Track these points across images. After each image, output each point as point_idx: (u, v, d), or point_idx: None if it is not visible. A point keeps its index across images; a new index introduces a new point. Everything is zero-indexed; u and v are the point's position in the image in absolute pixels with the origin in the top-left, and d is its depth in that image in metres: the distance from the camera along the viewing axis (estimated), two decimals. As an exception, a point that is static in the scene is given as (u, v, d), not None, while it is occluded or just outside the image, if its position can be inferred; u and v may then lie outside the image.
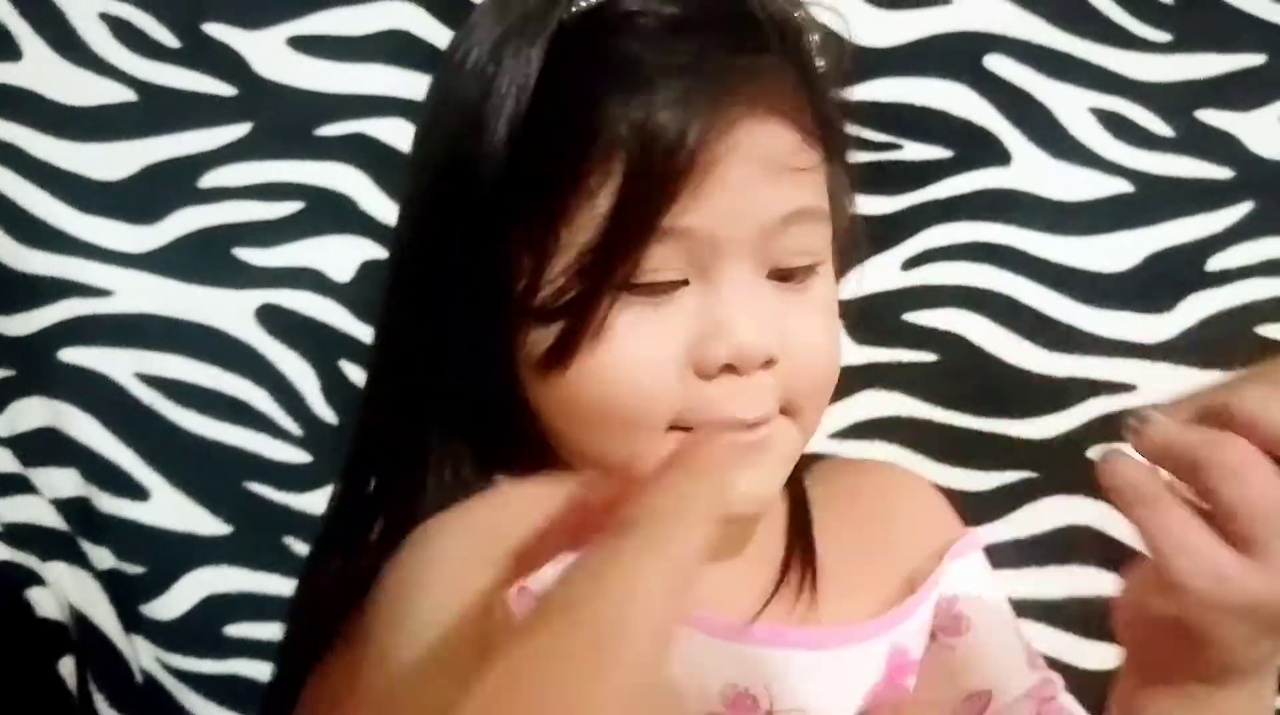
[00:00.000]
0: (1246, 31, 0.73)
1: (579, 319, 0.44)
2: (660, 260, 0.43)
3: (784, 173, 0.45)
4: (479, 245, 0.45)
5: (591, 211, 0.43)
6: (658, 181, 0.42)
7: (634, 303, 0.44)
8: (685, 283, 0.45)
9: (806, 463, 0.52)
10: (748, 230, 0.44)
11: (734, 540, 0.50)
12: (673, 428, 0.45)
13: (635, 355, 0.44)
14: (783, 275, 0.46)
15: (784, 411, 0.46)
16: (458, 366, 0.47)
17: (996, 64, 0.74)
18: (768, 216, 0.44)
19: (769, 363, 0.45)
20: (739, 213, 0.44)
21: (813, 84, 0.47)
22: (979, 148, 0.73)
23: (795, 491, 0.52)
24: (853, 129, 0.52)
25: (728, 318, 0.44)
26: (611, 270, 0.43)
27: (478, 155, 0.45)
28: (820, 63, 0.48)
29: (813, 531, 0.51)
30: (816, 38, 0.48)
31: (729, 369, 0.44)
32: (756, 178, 0.44)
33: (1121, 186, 0.73)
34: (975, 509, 0.71)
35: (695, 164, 0.42)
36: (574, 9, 0.45)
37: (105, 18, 0.76)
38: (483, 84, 0.45)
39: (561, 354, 0.45)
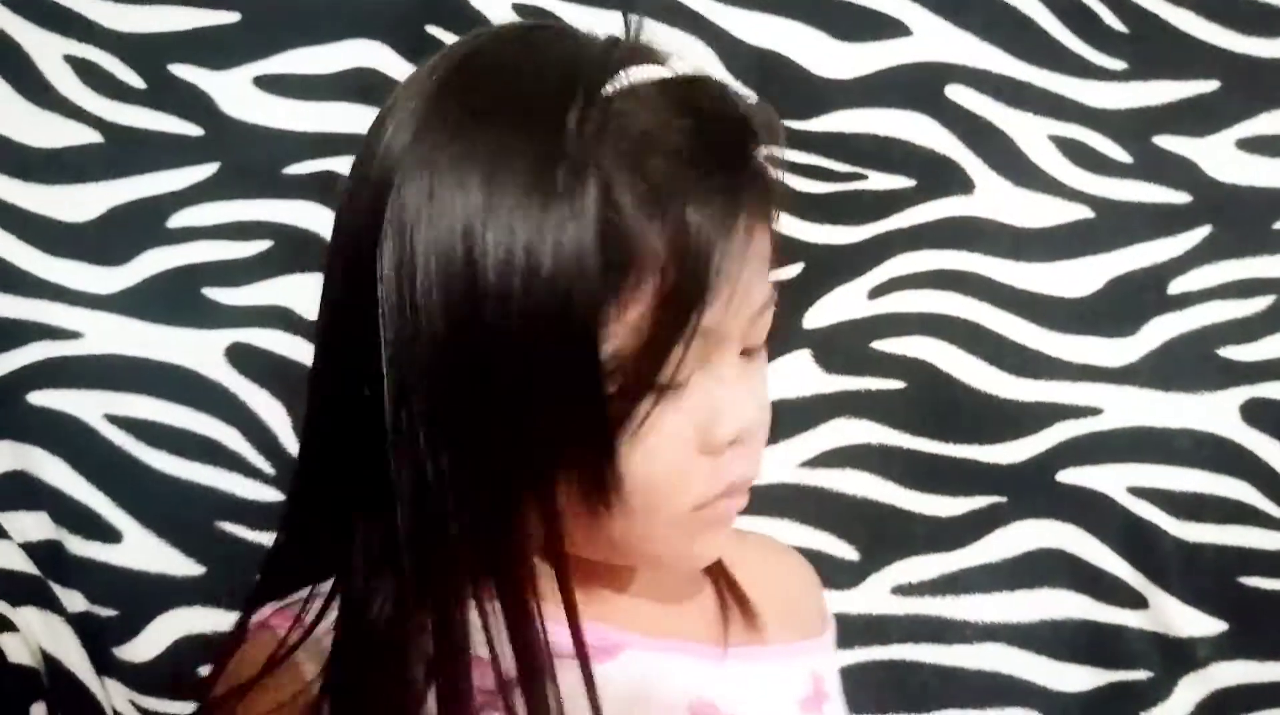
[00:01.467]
0: (1200, 58, 0.75)
1: (620, 418, 0.45)
2: (693, 353, 0.45)
3: (767, 265, 0.48)
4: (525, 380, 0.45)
5: (625, 319, 0.43)
6: (694, 288, 0.44)
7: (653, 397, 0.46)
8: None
9: None
10: (740, 323, 0.48)
11: (686, 585, 0.55)
12: (695, 509, 0.49)
13: (659, 445, 0.47)
14: (747, 351, 0.50)
15: None
16: None
17: (957, 94, 0.75)
18: (755, 307, 0.48)
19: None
20: (740, 307, 0.47)
21: (776, 178, 0.50)
22: (942, 177, 0.74)
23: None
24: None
25: (730, 399, 0.48)
26: (651, 370, 0.44)
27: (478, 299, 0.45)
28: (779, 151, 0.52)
29: (731, 575, 0.56)
30: (777, 129, 0.52)
31: (734, 443, 0.48)
32: (755, 275, 0.47)
33: (1082, 212, 0.74)
34: (945, 534, 0.72)
35: (718, 270, 0.44)
36: (577, 108, 0.44)
37: (70, 59, 0.76)
38: (477, 210, 0.44)
39: (601, 455, 0.45)
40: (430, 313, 0.43)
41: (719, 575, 0.56)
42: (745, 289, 0.46)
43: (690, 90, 0.47)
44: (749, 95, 0.51)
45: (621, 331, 0.44)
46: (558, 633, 0.47)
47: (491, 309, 0.42)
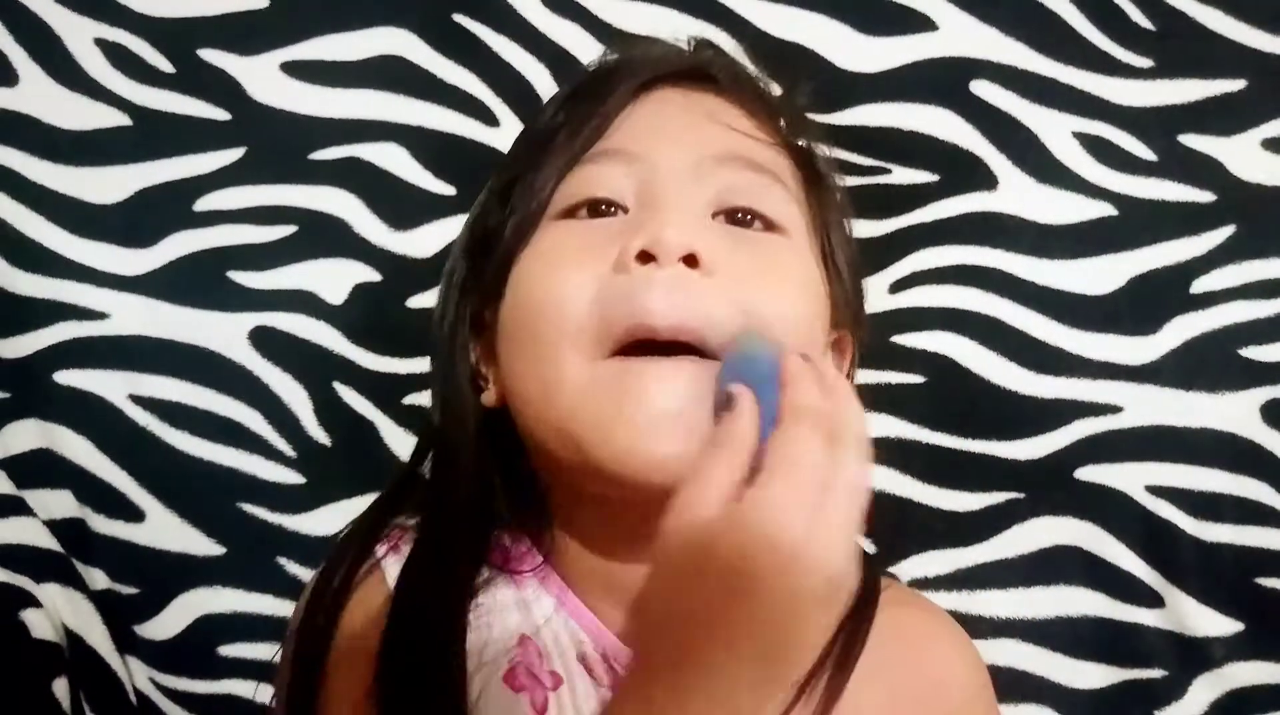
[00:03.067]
0: (1227, 57, 0.74)
1: (512, 241, 0.49)
2: (595, 178, 0.48)
3: (722, 126, 0.51)
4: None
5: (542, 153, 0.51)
6: (589, 111, 0.50)
7: (568, 225, 0.49)
8: (627, 211, 0.49)
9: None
10: (684, 157, 0.48)
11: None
12: (598, 356, 0.44)
13: (556, 261, 0.47)
14: (729, 216, 0.48)
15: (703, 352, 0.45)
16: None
17: (982, 89, 0.75)
18: (706, 150, 0.49)
19: (692, 260, 0.44)
20: (674, 143, 0.49)
21: (768, 107, 0.56)
22: (965, 172, 0.74)
23: (859, 617, 0.49)
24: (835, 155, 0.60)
25: (654, 215, 0.46)
26: (541, 187, 0.49)
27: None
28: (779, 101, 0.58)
29: (853, 665, 0.48)
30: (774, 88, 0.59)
31: (646, 258, 0.44)
32: (694, 120, 0.50)
33: (1106, 210, 0.74)
34: (963, 529, 0.72)
35: (627, 101, 0.50)
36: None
37: (101, 43, 0.76)
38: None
39: (498, 286, 0.49)
40: None
41: (838, 654, 0.47)
42: (680, 129, 0.50)
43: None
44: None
45: (538, 157, 0.51)
46: (588, 646, 0.48)
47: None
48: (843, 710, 0.47)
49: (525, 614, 0.50)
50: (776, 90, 0.61)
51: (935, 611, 0.59)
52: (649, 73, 0.53)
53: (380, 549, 0.52)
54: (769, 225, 0.48)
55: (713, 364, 0.43)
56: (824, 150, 0.59)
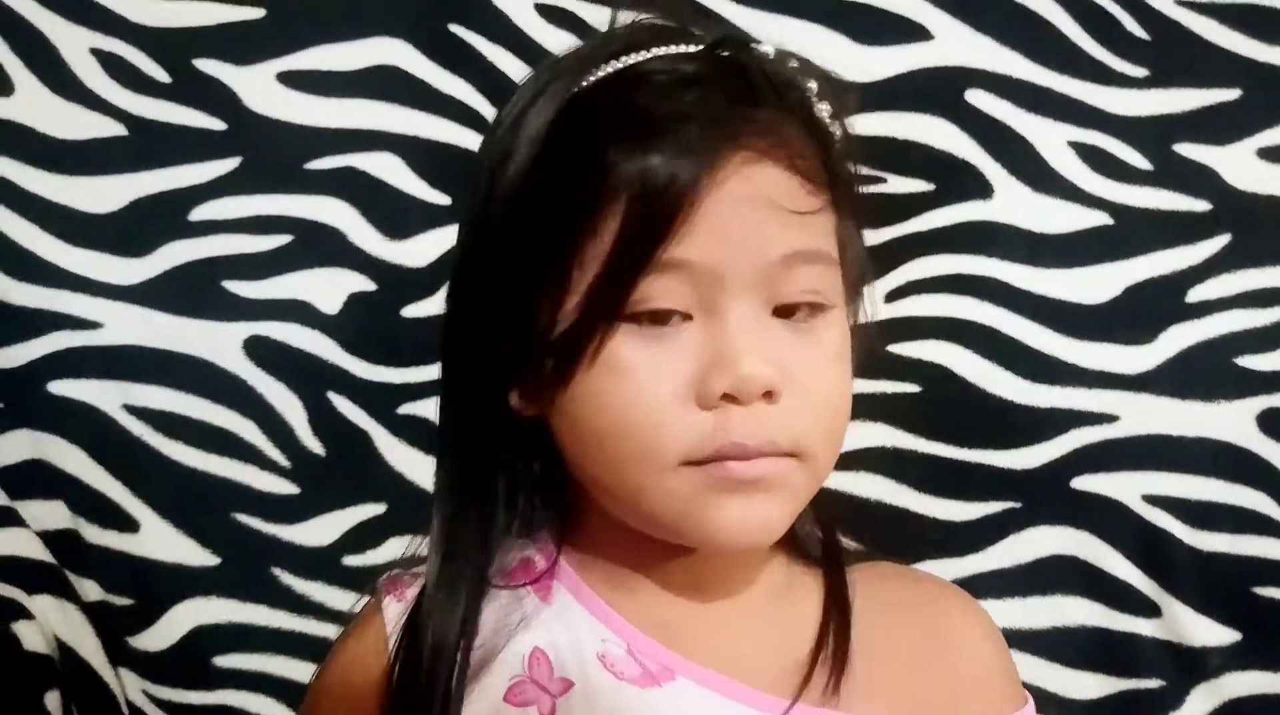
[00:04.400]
0: (1221, 66, 0.75)
1: (576, 345, 0.47)
2: (661, 290, 0.46)
3: (782, 214, 0.47)
4: (502, 293, 0.49)
5: (597, 249, 0.46)
6: (654, 216, 0.46)
7: (638, 334, 0.47)
8: (690, 318, 0.47)
9: (855, 560, 0.54)
10: (748, 267, 0.47)
11: (727, 580, 0.51)
12: (684, 464, 0.46)
13: (638, 383, 0.47)
14: (787, 312, 0.48)
15: (793, 455, 0.47)
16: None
17: (977, 99, 0.75)
18: (767, 255, 0.47)
19: (770, 394, 0.46)
20: (737, 249, 0.46)
21: (817, 135, 0.50)
22: (961, 181, 0.74)
23: (835, 582, 0.52)
24: (860, 174, 0.54)
25: (729, 348, 0.46)
26: (609, 298, 0.46)
27: (492, 208, 0.50)
28: (825, 109, 0.51)
29: (850, 626, 0.50)
30: (814, 85, 0.51)
31: (730, 399, 0.46)
32: (755, 217, 0.47)
33: (1101, 219, 0.74)
34: (959, 539, 0.72)
35: (691, 201, 0.46)
36: (597, 73, 0.49)
37: (97, 53, 0.76)
38: (504, 145, 0.50)
39: (558, 380, 0.48)
40: (468, 209, 0.52)
41: (834, 621, 0.50)
42: (741, 229, 0.46)
43: (701, 51, 0.50)
44: (792, 59, 0.51)
45: (593, 257, 0.46)
46: (610, 642, 0.49)
47: (494, 210, 0.50)
48: (863, 682, 0.49)
49: (536, 626, 0.50)
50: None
51: (943, 581, 0.59)
52: (711, 150, 0.46)
53: (386, 597, 0.53)
54: (816, 307, 0.49)
55: (786, 461, 0.48)
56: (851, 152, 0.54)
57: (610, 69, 0.49)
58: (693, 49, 0.50)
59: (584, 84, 0.49)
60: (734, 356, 0.46)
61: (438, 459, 0.53)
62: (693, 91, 0.48)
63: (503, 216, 0.49)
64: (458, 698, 0.49)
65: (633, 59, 0.49)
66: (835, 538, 0.54)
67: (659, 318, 0.47)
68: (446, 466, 0.53)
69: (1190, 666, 0.70)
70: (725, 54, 0.50)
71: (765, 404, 0.46)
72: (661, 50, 0.49)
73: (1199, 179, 0.74)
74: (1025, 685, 0.70)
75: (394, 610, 0.52)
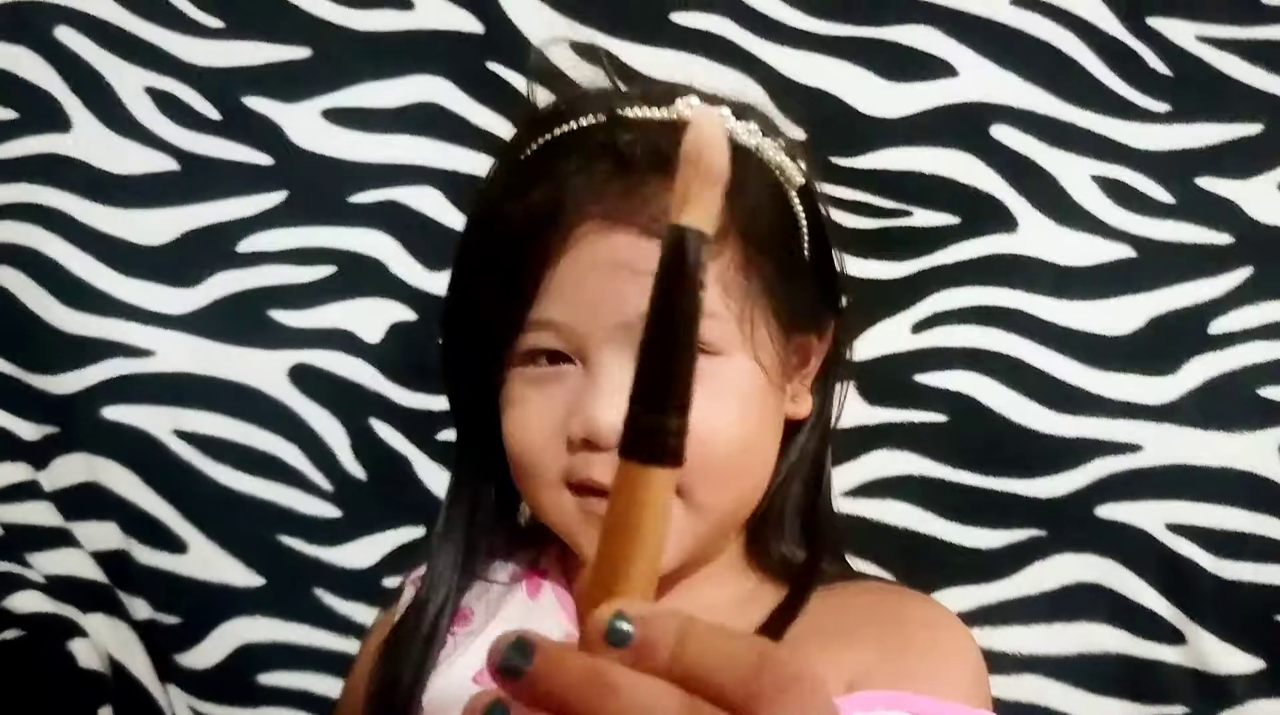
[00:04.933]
0: (1243, 100, 0.76)
1: (483, 384, 0.55)
2: (537, 341, 0.53)
3: (638, 276, 0.50)
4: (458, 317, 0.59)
5: (487, 306, 0.55)
6: (514, 285, 0.53)
7: (531, 374, 0.54)
8: (574, 362, 0.53)
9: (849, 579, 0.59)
10: (608, 323, 0.51)
11: (693, 589, 0.55)
12: (569, 487, 0.53)
13: (524, 420, 0.54)
14: None
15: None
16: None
17: (1002, 134, 0.76)
18: (626, 312, 0.51)
19: None
20: (594, 309, 0.52)
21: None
22: (986, 214, 0.76)
23: (798, 585, 0.56)
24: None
25: (593, 397, 0.51)
26: (494, 346, 0.54)
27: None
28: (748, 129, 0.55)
29: (796, 610, 0.54)
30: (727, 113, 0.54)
31: (588, 445, 0.51)
32: (608, 280, 0.51)
33: (1124, 252, 0.75)
34: (985, 566, 0.73)
35: (543, 267, 0.52)
36: (540, 139, 0.56)
37: (150, 91, 0.79)
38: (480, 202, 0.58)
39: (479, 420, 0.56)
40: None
41: (784, 606, 0.54)
42: (596, 291, 0.51)
43: (608, 123, 0.55)
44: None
45: (485, 312, 0.55)
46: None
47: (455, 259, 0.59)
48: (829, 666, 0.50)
49: (519, 616, 0.57)
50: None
51: (933, 600, 0.61)
52: (565, 222, 0.52)
53: (408, 586, 0.61)
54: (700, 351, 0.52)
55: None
56: (785, 164, 0.57)
57: (546, 137, 0.55)
58: (618, 114, 0.54)
59: (529, 149, 0.56)
60: (593, 407, 0.51)
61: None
62: (569, 162, 0.53)
63: (454, 260, 0.59)
64: (430, 665, 0.56)
65: (557, 130, 0.55)
66: (817, 559, 0.57)
67: (552, 357, 0.53)
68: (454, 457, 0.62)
69: (1214, 694, 0.70)
70: (608, 125, 0.54)
71: None
72: (583, 121, 0.54)
73: (1221, 212, 0.75)
74: (1049, 712, 0.71)
75: (408, 594, 0.60)
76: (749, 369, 0.53)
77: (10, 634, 0.68)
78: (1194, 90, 0.76)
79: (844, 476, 0.73)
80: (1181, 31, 0.77)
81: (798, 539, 0.58)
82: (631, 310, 0.50)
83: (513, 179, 0.56)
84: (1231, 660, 0.71)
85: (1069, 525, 0.73)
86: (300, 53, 0.80)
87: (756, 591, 0.56)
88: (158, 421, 0.76)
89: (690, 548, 0.53)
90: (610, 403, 0.50)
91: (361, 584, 0.76)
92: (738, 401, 0.53)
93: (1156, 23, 0.77)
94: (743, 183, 0.52)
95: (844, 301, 0.61)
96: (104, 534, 0.75)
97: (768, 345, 0.54)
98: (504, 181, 0.57)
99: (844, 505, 0.73)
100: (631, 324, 0.50)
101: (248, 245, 0.78)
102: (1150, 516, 0.72)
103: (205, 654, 0.75)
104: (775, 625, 0.53)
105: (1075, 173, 0.76)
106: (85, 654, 0.69)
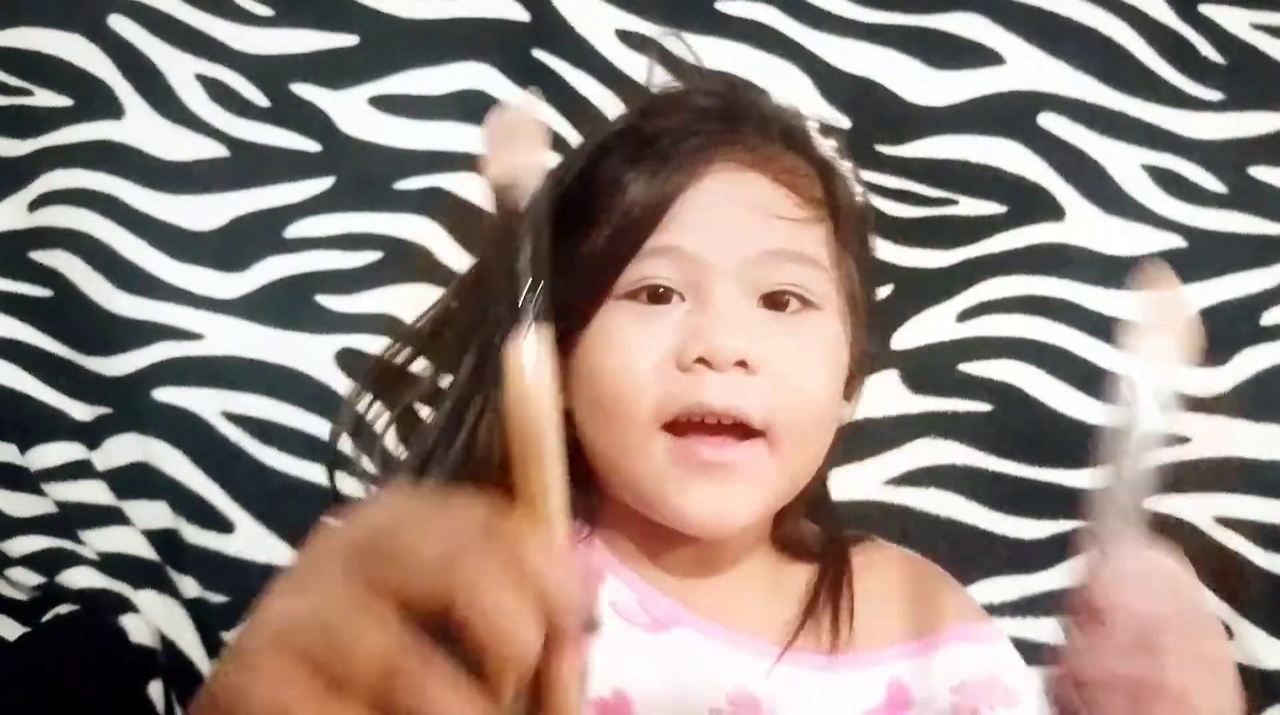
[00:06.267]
0: (1298, 90, 0.75)
1: (577, 313, 0.55)
2: (653, 269, 0.54)
3: (764, 216, 0.55)
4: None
5: (601, 238, 0.55)
6: (646, 208, 0.54)
7: (635, 309, 0.54)
8: (682, 298, 0.54)
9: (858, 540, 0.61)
10: (730, 257, 0.53)
11: (710, 560, 0.57)
12: (665, 429, 0.53)
13: (624, 350, 0.54)
14: (776, 304, 0.55)
15: (761, 434, 0.53)
16: None
17: (1050, 122, 0.76)
18: (749, 249, 0.54)
19: (744, 365, 0.52)
20: (720, 240, 0.54)
21: (815, 164, 0.58)
22: (1033, 203, 0.75)
23: (832, 547, 0.59)
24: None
25: (710, 321, 0.53)
26: (605, 273, 0.55)
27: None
28: (828, 147, 0.60)
29: (845, 581, 0.57)
30: (816, 125, 0.61)
31: (703, 363, 0.52)
32: (736, 215, 0.54)
33: (1174, 241, 0.74)
34: (1027, 556, 0.73)
35: (676, 198, 0.54)
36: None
37: (201, 78, 0.81)
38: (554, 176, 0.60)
39: (563, 350, 0.55)
40: None
41: (829, 582, 0.57)
42: (724, 224, 0.54)
43: (709, 91, 0.61)
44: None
45: (598, 243, 0.55)
46: (622, 592, 0.54)
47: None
48: (864, 629, 0.57)
49: None
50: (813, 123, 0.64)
51: (920, 557, 0.66)
52: (699, 159, 0.55)
53: None
54: (805, 303, 0.55)
55: (755, 443, 0.53)
56: (856, 185, 0.63)
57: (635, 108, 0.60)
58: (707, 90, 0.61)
59: (615, 126, 0.60)
60: (712, 328, 0.52)
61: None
62: (688, 116, 0.57)
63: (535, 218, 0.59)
64: None
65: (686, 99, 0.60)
66: (839, 530, 0.62)
67: (657, 296, 0.54)
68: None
69: (1264, 689, 0.69)
70: (728, 94, 0.60)
71: (740, 374, 0.52)
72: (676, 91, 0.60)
73: (1274, 202, 0.74)
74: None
75: None
76: (838, 332, 0.56)
77: (64, 608, 0.70)
78: (1248, 78, 0.75)
79: (887, 464, 0.73)
80: (1235, 19, 0.76)
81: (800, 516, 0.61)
82: (754, 247, 0.53)
83: (642, 122, 0.58)
84: (1280, 655, 0.70)
85: (1115, 517, 0.72)
86: (348, 40, 0.80)
87: (781, 566, 0.59)
88: (207, 404, 0.77)
89: (770, 502, 0.55)
90: (730, 329, 0.52)
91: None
92: (830, 359, 0.56)
93: (1209, 10, 0.76)
94: (832, 183, 0.58)
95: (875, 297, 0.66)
96: (154, 513, 0.76)
97: (847, 318, 0.57)
98: (625, 126, 0.60)
99: (886, 493, 0.73)
100: (752, 261, 0.53)
101: (295, 231, 0.79)
102: (1198, 509, 0.71)
103: (252, 633, 0.76)
104: (831, 593, 0.56)
105: (1124, 162, 0.75)
106: (136, 629, 0.71)
